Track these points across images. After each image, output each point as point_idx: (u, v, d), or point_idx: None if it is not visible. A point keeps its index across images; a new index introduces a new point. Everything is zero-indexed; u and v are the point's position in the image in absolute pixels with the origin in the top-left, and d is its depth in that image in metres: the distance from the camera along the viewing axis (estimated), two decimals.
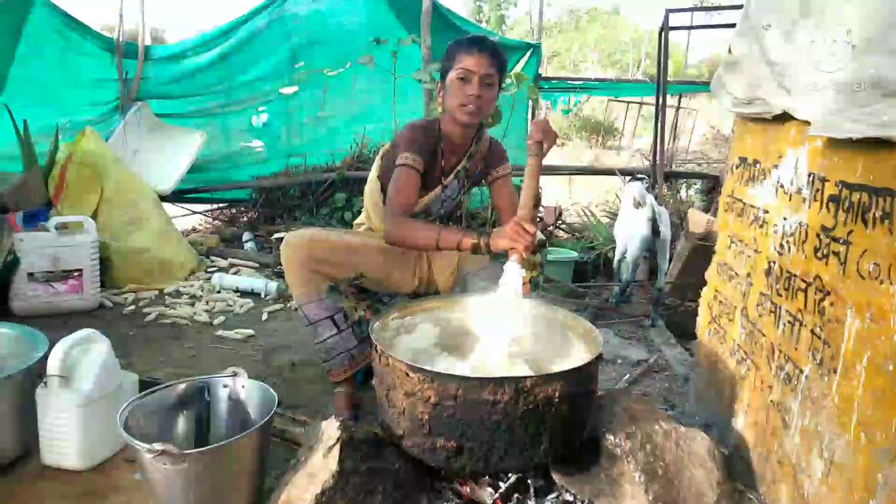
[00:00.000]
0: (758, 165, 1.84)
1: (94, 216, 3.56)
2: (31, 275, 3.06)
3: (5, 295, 3.09)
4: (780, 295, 1.61)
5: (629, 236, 3.38)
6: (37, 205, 3.46)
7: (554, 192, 6.98)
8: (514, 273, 1.74)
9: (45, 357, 1.69)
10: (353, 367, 2.15)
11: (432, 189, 2.19)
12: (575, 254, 4.27)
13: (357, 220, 2.39)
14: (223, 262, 4.22)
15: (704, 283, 2.22)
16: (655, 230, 3.26)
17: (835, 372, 1.31)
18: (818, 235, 1.43)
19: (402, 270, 2.20)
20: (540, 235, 2.14)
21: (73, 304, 3.18)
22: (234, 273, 3.99)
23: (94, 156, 3.74)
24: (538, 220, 5.10)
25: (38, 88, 4.68)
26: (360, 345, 2.14)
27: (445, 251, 1.95)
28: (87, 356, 1.73)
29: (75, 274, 3.17)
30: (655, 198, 5.30)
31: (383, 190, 2.20)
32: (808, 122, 1.46)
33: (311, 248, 2.03)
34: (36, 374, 1.74)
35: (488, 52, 1.99)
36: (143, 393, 1.62)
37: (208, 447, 1.49)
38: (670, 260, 4.08)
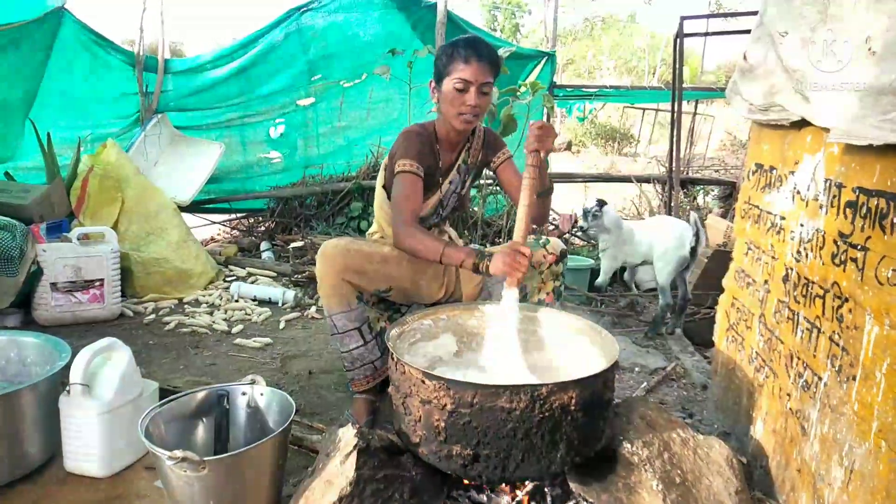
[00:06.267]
0: (774, 172, 1.84)
1: (115, 227, 3.62)
2: (53, 285, 3.12)
3: (29, 304, 3.15)
4: (797, 302, 1.60)
5: (666, 257, 3.33)
6: (59, 216, 3.52)
7: (570, 199, 6.97)
8: (511, 300, 1.75)
9: (68, 365, 1.72)
10: (376, 378, 2.17)
11: (436, 188, 2.20)
12: (591, 261, 4.26)
13: (370, 230, 2.40)
14: (241, 272, 4.26)
15: (722, 290, 2.20)
16: (692, 247, 3.25)
17: (854, 379, 1.30)
18: (835, 242, 1.42)
19: (430, 281, 2.21)
20: (561, 245, 2.16)
21: (94, 313, 3.23)
22: (252, 282, 4.03)
23: (114, 167, 3.80)
24: (554, 227, 5.11)
25: (64, 102, 4.79)
26: (382, 356, 2.16)
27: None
28: (108, 365, 1.76)
29: (97, 284, 3.22)
30: (669, 209, 5.28)
31: (390, 198, 2.22)
32: (825, 129, 1.45)
33: (348, 257, 2.02)
34: (59, 382, 1.78)
35: (486, 60, 1.96)
36: (164, 401, 1.64)
37: (228, 454, 1.50)
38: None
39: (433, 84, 2.07)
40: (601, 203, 3.57)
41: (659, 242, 3.37)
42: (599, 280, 3.67)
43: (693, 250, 3.28)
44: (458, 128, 2.05)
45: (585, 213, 3.60)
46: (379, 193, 2.28)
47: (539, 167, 1.83)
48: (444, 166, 2.19)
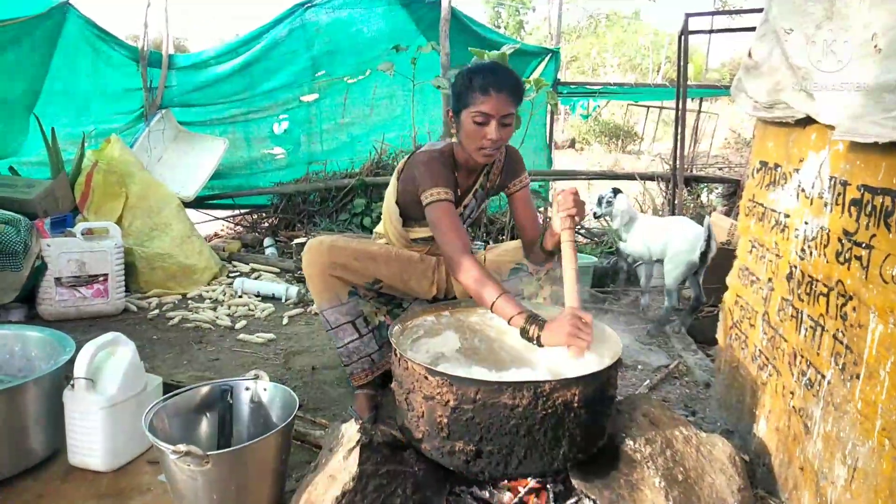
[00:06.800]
0: (779, 169, 1.83)
1: (119, 222, 3.63)
2: (58, 279, 3.13)
3: (33, 299, 3.16)
4: (801, 300, 1.60)
5: (676, 259, 3.31)
6: (64, 211, 3.54)
7: None
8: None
9: (73, 360, 1.73)
10: (375, 372, 2.17)
11: None
12: (594, 259, 4.26)
13: (376, 229, 2.39)
14: (245, 267, 4.27)
15: (726, 288, 2.20)
16: (703, 252, 3.23)
17: (857, 377, 1.30)
18: (840, 240, 1.42)
19: (419, 280, 2.21)
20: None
21: (98, 308, 3.24)
22: (256, 278, 4.04)
23: (118, 163, 3.81)
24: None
25: (67, 98, 4.80)
26: (380, 349, 2.16)
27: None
28: (112, 359, 1.77)
29: (101, 279, 3.23)
30: (672, 206, 5.27)
31: (403, 214, 2.18)
32: (830, 126, 1.44)
33: (332, 254, 2.05)
34: (63, 376, 1.78)
35: (506, 90, 1.82)
36: (167, 395, 1.65)
37: (231, 448, 1.51)
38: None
39: (450, 113, 1.97)
40: (616, 191, 3.68)
41: (672, 244, 3.36)
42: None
43: (703, 255, 3.24)
44: (479, 161, 1.95)
45: (600, 199, 3.74)
46: (389, 207, 2.21)
47: (574, 230, 1.77)
48: (461, 192, 2.14)
